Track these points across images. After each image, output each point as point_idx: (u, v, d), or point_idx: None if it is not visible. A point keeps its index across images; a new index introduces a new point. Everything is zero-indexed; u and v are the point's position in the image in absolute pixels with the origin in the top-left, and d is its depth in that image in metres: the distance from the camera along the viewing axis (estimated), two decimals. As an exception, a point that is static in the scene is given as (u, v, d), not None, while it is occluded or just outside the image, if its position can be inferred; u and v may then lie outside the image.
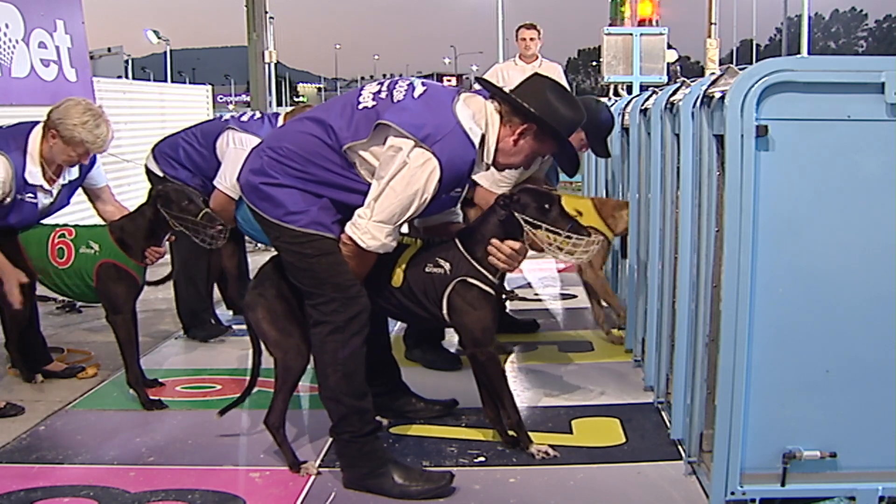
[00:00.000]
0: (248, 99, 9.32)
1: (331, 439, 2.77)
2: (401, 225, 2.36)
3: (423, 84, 2.40)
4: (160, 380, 3.37)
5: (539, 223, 2.51)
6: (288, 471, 2.55)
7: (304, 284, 2.42)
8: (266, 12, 8.36)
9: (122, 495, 2.40)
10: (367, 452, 2.43)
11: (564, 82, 3.46)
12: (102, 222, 3.36)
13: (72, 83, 5.55)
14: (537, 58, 6.37)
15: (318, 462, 2.61)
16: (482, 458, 2.63)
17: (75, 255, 3.14)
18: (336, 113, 2.38)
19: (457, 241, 2.58)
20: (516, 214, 2.53)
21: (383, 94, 2.37)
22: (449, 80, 39.43)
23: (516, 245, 2.53)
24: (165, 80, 37.19)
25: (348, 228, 2.34)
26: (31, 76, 5.20)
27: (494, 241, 2.52)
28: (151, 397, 3.16)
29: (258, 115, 4.12)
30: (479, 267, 2.54)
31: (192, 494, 2.40)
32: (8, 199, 3.07)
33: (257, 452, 2.69)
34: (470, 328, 2.55)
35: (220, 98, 51.81)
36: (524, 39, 6.36)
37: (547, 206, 2.55)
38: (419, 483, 2.40)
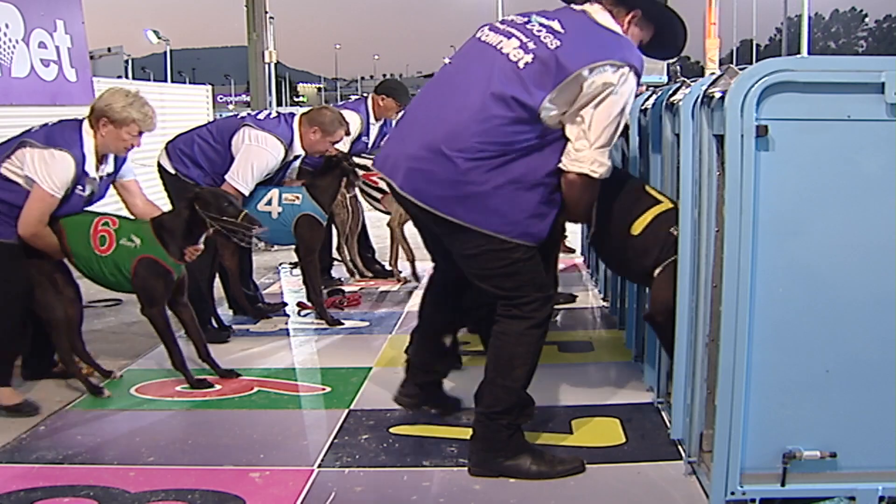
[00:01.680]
0: (248, 99, 9.30)
1: (332, 439, 2.77)
2: None
3: (548, 17, 2.36)
4: (159, 380, 3.37)
5: None
6: (288, 471, 2.55)
7: (504, 288, 2.44)
8: (266, 12, 8.33)
9: (122, 495, 2.40)
10: (514, 441, 2.50)
11: None
12: (128, 214, 3.41)
13: (72, 83, 5.54)
14: None
15: (318, 462, 2.61)
16: (482, 458, 2.63)
17: (116, 245, 3.19)
18: (498, 83, 2.29)
19: None
20: None
21: (532, 45, 2.30)
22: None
23: None
24: (165, 80, 37.25)
25: (571, 165, 2.34)
26: (31, 76, 5.19)
27: None
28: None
29: (274, 113, 4.19)
30: None
31: (192, 494, 2.40)
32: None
33: (257, 452, 2.69)
34: (669, 296, 2.59)
35: (220, 98, 51.85)
36: None
37: None
38: (553, 465, 2.49)
